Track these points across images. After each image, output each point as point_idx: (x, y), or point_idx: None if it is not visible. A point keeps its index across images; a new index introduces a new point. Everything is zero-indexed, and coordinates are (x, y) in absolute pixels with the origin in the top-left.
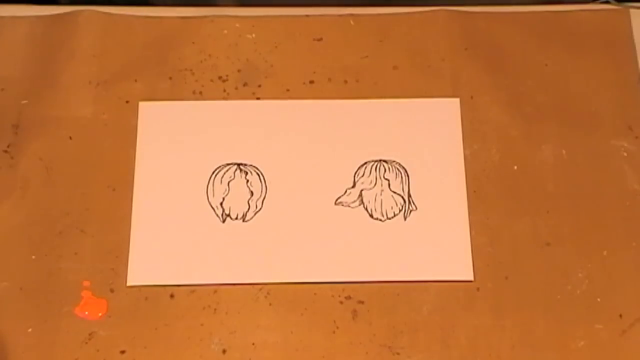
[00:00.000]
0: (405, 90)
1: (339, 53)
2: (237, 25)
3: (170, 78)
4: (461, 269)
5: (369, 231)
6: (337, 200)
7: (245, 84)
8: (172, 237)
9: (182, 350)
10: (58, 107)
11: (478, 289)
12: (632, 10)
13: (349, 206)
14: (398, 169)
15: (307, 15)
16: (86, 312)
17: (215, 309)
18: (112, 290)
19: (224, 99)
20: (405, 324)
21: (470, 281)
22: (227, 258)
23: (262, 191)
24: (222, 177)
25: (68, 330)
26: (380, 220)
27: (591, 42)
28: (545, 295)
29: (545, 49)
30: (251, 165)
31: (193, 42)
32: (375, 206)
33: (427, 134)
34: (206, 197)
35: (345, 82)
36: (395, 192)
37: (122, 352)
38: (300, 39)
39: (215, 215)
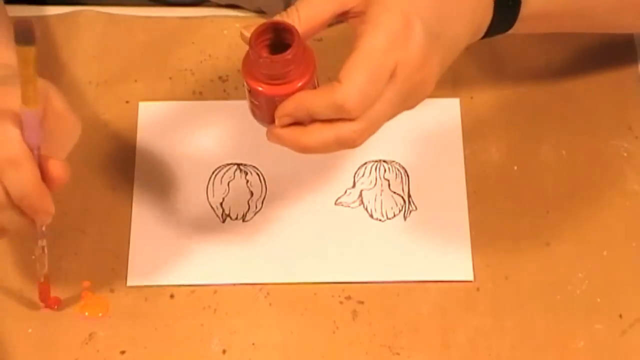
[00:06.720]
0: None
1: (339, 53)
2: (237, 25)
3: (170, 78)
4: (461, 269)
5: (369, 231)
6: (337, 200)
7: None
8: (172, 237)
9: (182, 350)
10: None
11: (478, 289)
12: None
13: (349, 206)
14: (398, 169)
15: None
16: (86, 312)
17: (215, 309)
18: (112, 290)
19: (224, 99)
20: (405, 324)
21: (470, 281)
22: (227, 258)
23: (262, 191)
24: (222, 177)
25: (68, 330)
26: (380, 220)
27: (591, 42)
28: (545, 295)
29: (545, 49)
30: (251, 165)
31: (193, 42)
32: (375, 206)
33: (427, 134)
34: (206, 197)
35: None
36: (395, 193)
37: (122, 352)
38: None
39: (215, 215)
